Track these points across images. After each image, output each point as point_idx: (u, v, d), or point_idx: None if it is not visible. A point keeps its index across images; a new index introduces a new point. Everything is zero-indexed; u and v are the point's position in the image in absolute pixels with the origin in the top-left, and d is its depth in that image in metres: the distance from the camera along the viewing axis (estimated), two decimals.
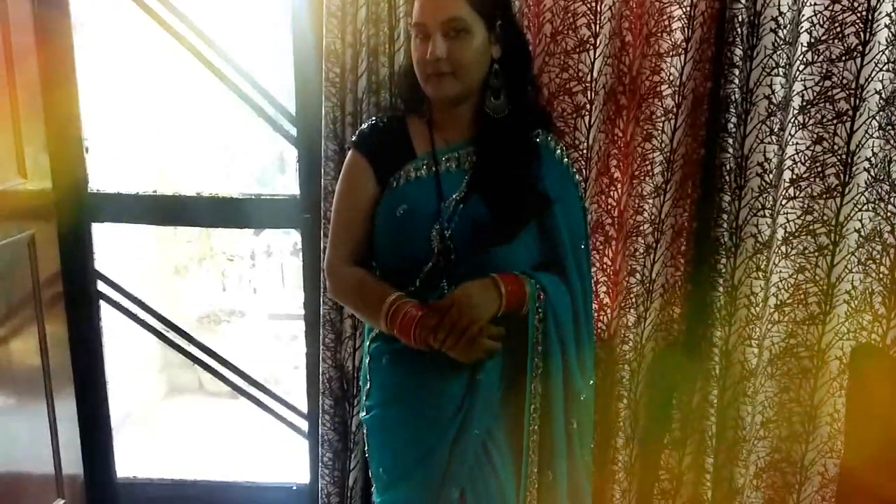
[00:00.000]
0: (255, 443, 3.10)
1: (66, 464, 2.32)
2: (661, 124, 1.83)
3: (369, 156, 1.48)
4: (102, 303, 2.41)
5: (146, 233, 3.47)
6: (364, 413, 1.56)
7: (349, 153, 1.51)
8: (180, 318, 2.88)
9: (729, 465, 2.00)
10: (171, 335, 2.61)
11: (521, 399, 1.43)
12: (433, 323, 1.34)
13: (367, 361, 1.54)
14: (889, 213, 1.84)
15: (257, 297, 3.76)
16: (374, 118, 1.56)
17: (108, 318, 2.52)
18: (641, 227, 1.90)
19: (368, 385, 1.53)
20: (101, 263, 2.41)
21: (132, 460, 2.68)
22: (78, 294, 2.32)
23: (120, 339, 2.81)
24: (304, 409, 2.44)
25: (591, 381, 1.55)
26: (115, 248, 3.12)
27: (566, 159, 1.51)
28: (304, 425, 2.48)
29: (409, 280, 1.42)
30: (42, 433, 2.23)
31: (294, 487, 2.54)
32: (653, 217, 1.89)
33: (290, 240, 3.70)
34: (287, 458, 2.70)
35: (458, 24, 1.34)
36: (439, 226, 1.40)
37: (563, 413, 1.45)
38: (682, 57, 1.79)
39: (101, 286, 2.39)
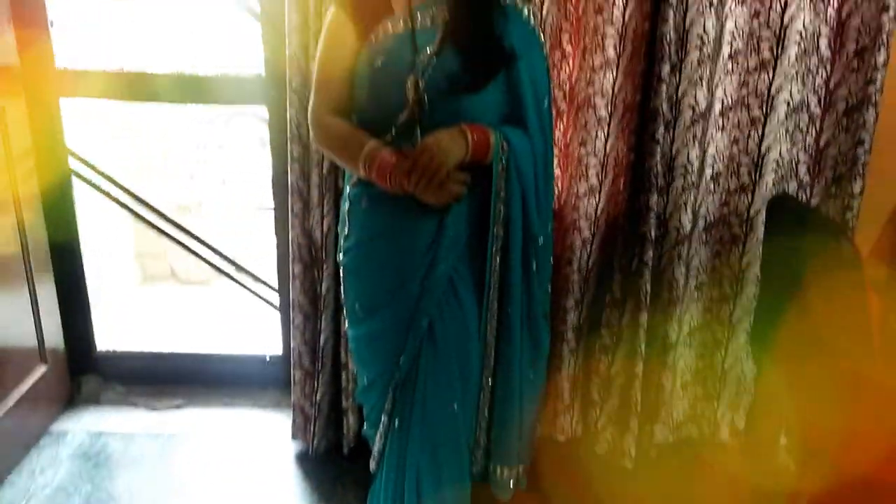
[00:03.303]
0: (229, 324, 3.23)
1: (48, 336, 2.44)
2: None
3: (350, 12, 1.57)
4: (75, 180, 2.49)
5: (114, 125, 3.49)
6: (342, 255, 1.70)
7: (331, 11, 1.60)
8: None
9: (664, 325, 2.20)
10: (144, 213, 2.68)
11: (485, 240, 1.58)
12: (406, 167, 1.46)
13: (346, 206, 1.66)
14: (816, 86, 1.97)
15: (225, 187, 3.84)
16: None
17: (81, 204, 2.59)
18: (593, 100, 2.02)
19: (347, 229, 1.67)
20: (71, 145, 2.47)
21: (111, 337, 2.80)
22: (51, 170, 2.37)
23: (91, 228, 2.88)
24: (276, 286, 2.58)
25: (550, 228, 1.69)
26: (82, 135, 3.15)
27: (532, 21, 1.61)
28: (276, 300, 2.62)
29: (385, 129, 1.53)
30: (24, 308, 2.33)
31: (268, 358, 2.71)
32: (604, 91, 2.00)
33: (257, 131, 3.75)
34: (260, 336, 2.84)
35: None
36: (414, 77, 1.50)
37: (522, 254, 1.61)
38: None
39: (73, 164, 2.46)
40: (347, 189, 1.67)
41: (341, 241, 1.71)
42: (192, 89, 2.37)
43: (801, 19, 1.91)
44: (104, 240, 3.19)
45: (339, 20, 1.58)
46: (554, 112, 2.08)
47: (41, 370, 2.41)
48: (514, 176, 1.55)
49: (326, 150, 1.72)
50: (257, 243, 3.58)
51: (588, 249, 2.17)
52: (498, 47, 1.52)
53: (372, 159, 1.51)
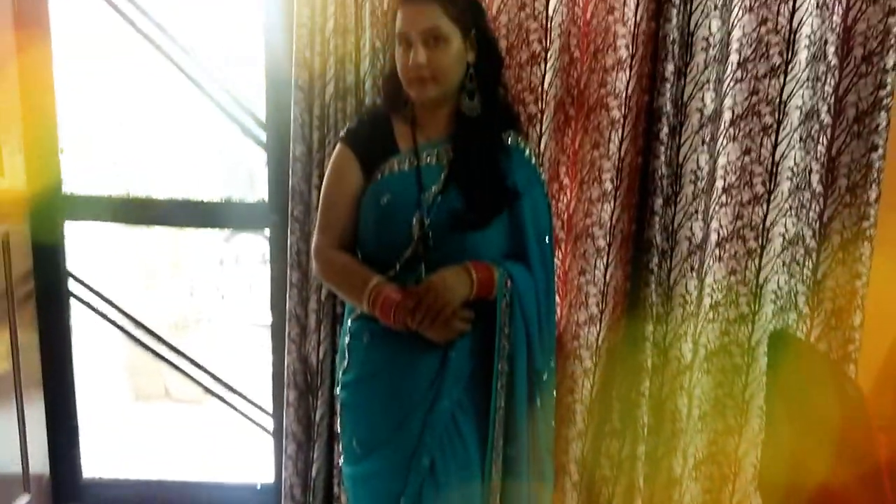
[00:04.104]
0: (221, 446, 3.15)
1: (33, 462, 2.36)
2: (607, 134, 1.98)
3: (356, 149, 1.61)
4: (73, 302, 2.48)
5: (116, 242, 3.54)
6: (340, 389, 1.66)
7: (338, 147, 1.64)
8: (149, 323, 2.93)
9: (668, 457, 2.13)
10: (140, 335, 2.67)
11: (489, 376, 1.56)
12: (411, 305, 1.47)
13: (346, 340, 1.64)
14: (810, 219, 2.00)
15: (225, 303, 3.83)
16: (361, 116, 1.69)
17: (77, 323, 2.58)
18: (591, 231, 2.05)
19: (346, 362, 1.64)
20: (72, 267, 2.47)
21: (99, 462, 2.71)
22: (49, 293, 2.37)
23: (87, 345, 2.86)
24: (270, 409, 2.52)
25: (552, 364, 1.67)
26: (85, 257, 3.18)
27: (534, 160, 1.67)
28: (269, 424, 2.55)
29: (389, 265, 1.55)
30: (10, 433, 2.27)
31: (259, 486, 2.60)
32: (602, 221, 2.03)
33: (258, 248, 3.78)
34: (252, 461, 2.75)
35: (436, 32, 1.49)
36: (419, 214, 1.53)
37: (526, 390, 1.58)
38: (627, 72, 1.94)
39: (73, 285, 2.46)
40: (348, 323, 1.65)
41: (339, 374, 1.68)
42: (196, 214, 2.41)
43: (792, 156, 1.96)
44: (98, 357, 3.15)
45: (344, 156, 1.63)
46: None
47: (23, 500, 2.31)
48: (518, 312, 1.56)
49: (330, 283, 1.72)
50: (255, 360, 3.53)
51: (591, 379, 2.13)
52: (501, 186, 1.56)
53: (376, 295, 1.51)
